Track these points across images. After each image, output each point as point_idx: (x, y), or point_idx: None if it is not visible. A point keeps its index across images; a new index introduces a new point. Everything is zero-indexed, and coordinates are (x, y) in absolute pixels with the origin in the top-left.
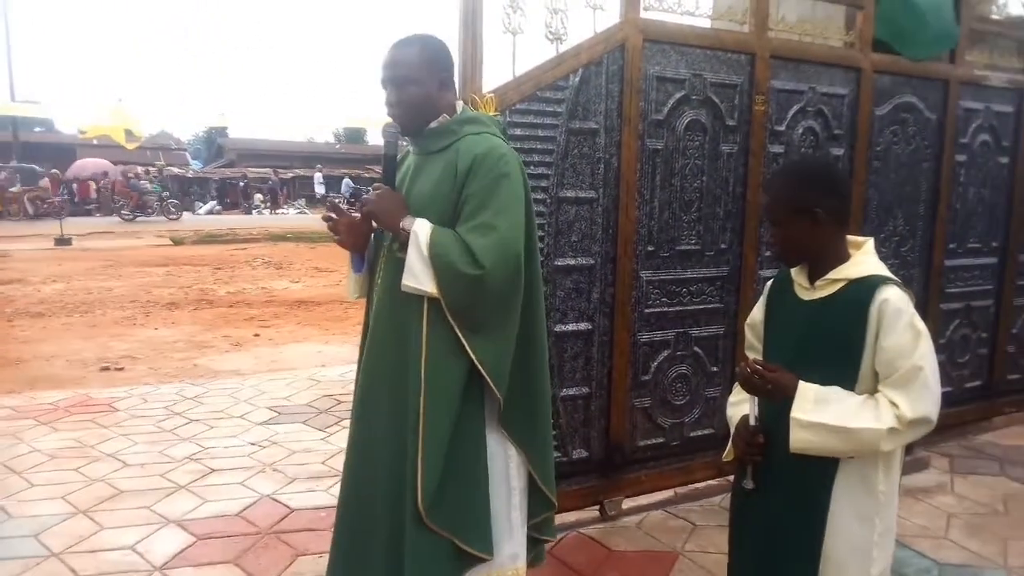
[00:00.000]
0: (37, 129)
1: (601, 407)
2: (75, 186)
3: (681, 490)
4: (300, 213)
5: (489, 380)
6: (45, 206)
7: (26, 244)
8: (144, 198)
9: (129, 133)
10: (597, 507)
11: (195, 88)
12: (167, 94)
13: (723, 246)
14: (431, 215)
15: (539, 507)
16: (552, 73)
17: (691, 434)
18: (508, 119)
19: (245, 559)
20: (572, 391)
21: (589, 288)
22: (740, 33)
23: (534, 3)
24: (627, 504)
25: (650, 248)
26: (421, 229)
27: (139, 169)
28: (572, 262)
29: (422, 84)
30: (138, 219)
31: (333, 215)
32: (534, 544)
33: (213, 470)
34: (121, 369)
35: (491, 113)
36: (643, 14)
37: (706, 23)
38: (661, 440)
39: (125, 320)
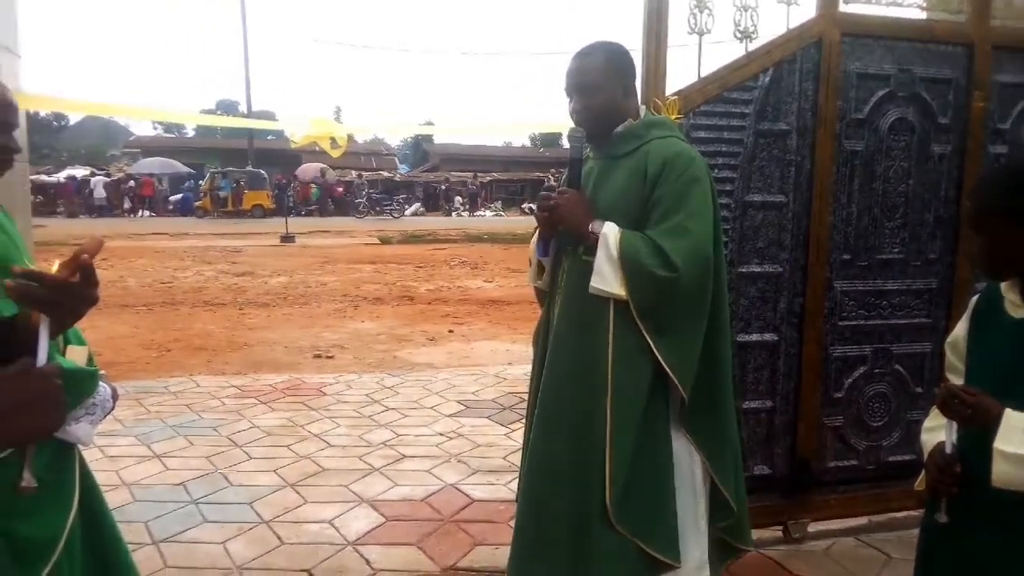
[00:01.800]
0: (269, 137)
1: (786, 423)
2: (298, 188)
3: (876, 518)
4: (496, 215)
5: (676, 381)
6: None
7: (257, 241)
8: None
9: (333, 141)
10: (780, 528)
11: (405, 96)
12: (381, 102)
13: (932, 256)
14: (618, 218)
15: (721, 513)
16: (740, 73)
17: (889, 459)
18: (692, 121)
19: (427, 543)
20: (755, 404)
21: (776, 297)
22: (955, 23)
23: (722, 2)
24: (813, 528)
25: (846, 256)
26: (610, 232)
27: (353, 173)
28: (758, 269)
29: (607, 90)
30: (366, 217)
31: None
32: (725, 552)
33: (404, 456)
34: (331, 357)
35: (674, 116)
36: (843, 8)
37: (913, 13)
38: (854, 463)
39: (336, 312)
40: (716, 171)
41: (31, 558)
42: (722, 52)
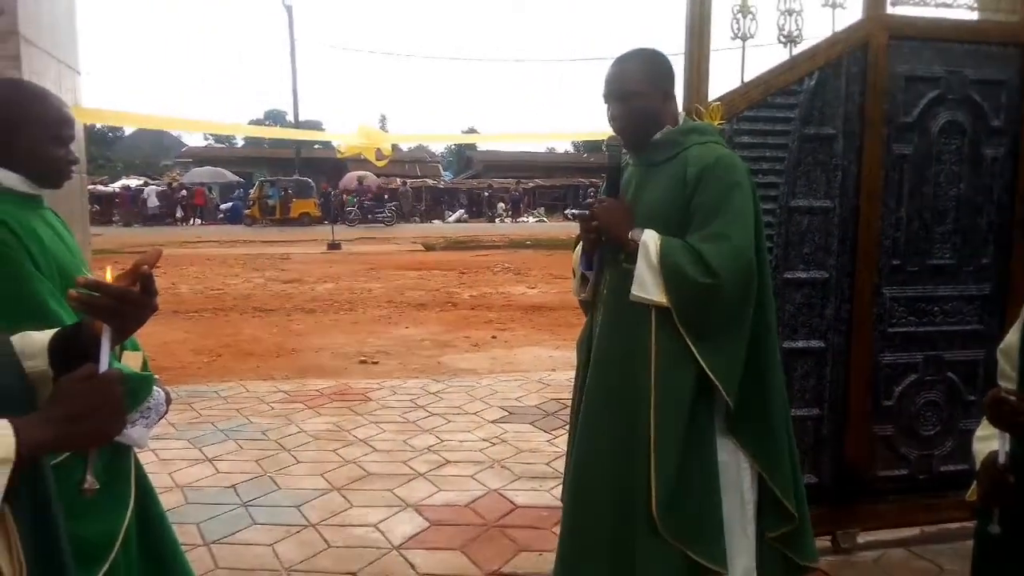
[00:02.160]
0: (316, 146)
1: (834, 431)
2: (343, 197)
3: (929, 529)
4: (539, 221)
5: (720, 388)
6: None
7: (304, 248)
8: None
9: (378, 152)
10: (828, 538)
11: (449, 103)
12: (426, 110)
13: (985, 261)
14: (658, 226)
15: (778, 520)
16: (784, 77)
17: (942, 468)
18: (735, 127)
19: (471, 548)
20: (801, 411)
21: (822, 303)
22: (1008, 23)
23: (766, 6)
24: (863, 538)
25: (895, 262)
26: (650, 239)
27: (397, 181)
28: (803, 275)
29: (646, 97)
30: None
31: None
32: (792, 571)
33: (448, 461)
34: (376, 363)
35: (717, 122)
36: (890, 9)
37: (964, 15)
38: (905, 472)
39: (381, 319)
40: (760, 176)
41: (90, 557)
42: (765, 56)
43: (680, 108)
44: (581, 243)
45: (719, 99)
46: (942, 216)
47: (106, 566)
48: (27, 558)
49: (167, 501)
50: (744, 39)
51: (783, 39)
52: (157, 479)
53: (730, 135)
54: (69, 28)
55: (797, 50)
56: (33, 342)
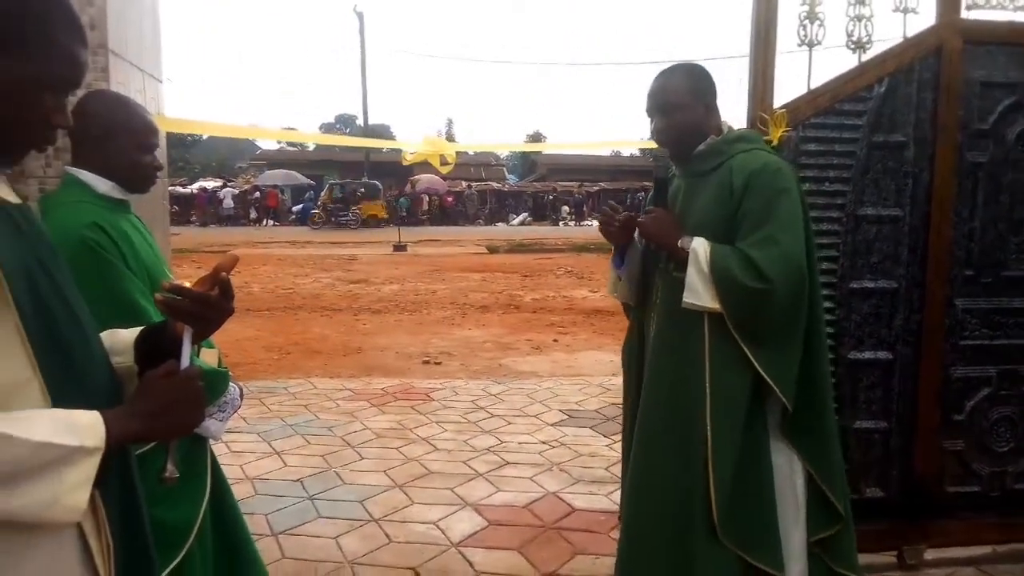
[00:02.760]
0: (384, 150)
1: (901, 445)
2: (411, 199)
3: (1000, 548)
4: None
5: (777, 391)
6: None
7: (371, 249)
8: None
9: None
10: (894, 553)
11: (515, 107)
12: (491, 114)
13: None
14: (707, 234)
15: (827, 520)
16: (852, 84)
17: (1016, 486)
18: (801, 134)
19: (528, 549)
20: (867, 424)
21: (890, 314)
22: None
23: (834, 12)
24: (931, 555)
25: (968, 272)
26: (700, 246)
27: (463, 184)
28: (871, 285)
29: (689, 109)
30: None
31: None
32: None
33: (507, 463)
34: (439, 363)
35: (782, 130)
36: (965, 13)
37: None
38: (976, 489)
39: (445, 320)
40: (827, 184)
41: (168, 543)
42: (832, 62)
43: (744, 115)
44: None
45: (784, 106)
46: (1018, 226)
47: (183, 552)
48: (114, 539)
49: (238, 492)
50: (811, 46)
51: (851, 45)
52: (229, 471)
53: (796, 143)
54: (153, 40)
55: (866, 56)
56: (120, 339)
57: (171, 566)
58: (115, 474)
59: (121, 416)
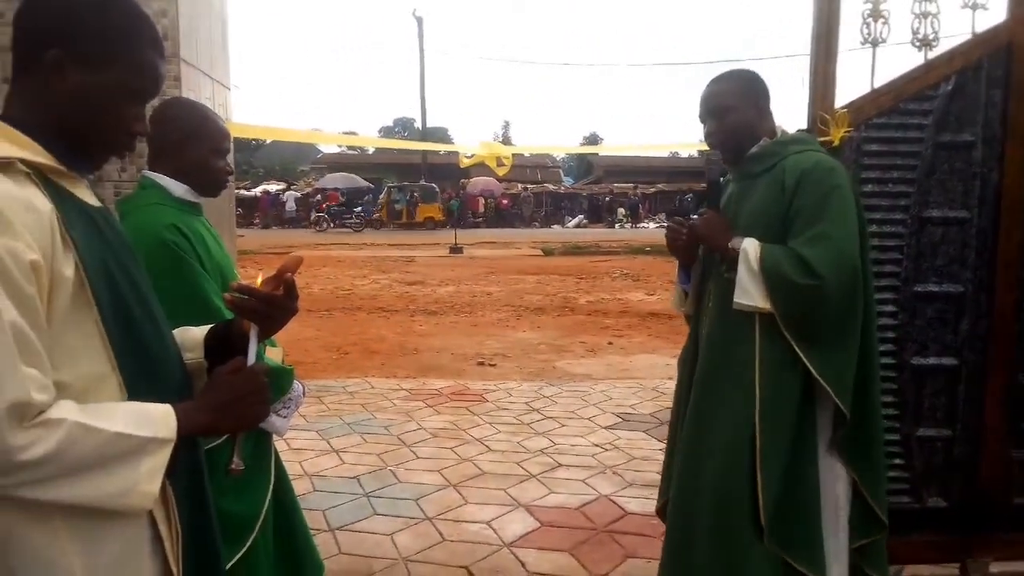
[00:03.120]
0: (441, 152)
1: (966, 454)
2: (465, 201)
3: None
4: (660, 227)
5: (832, 393)
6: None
7: (428, 252)
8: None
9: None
10: (956, 565)
11: (572, 108)
12: (548, 116)
13: None
14: (759, 234)
15: (868, 527)
16: (917, 83)
17: None
18: (863, 134)
19: (580, 551)
20: (930, 431)
21: (956, 319)
22: None
23: (899, 10)
24: (996, 568)
25: None
26: (750, 246)
27: (519, 186)
28: (935, 289)
29: (741, 112)
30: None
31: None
32: None
33: (560, 465)
34: (493, 365)
35: (844, 130)
36: None
37: None
38: None
39: (499, 322)
40: (890, 185)
41: (234, 535)
42: (894, 60)
43: (804, 115)
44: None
45: (846, 106)
46: None
47: (248, 543)
48: (183, 527)
49: (297, 488)
50: (875, 44)
51: (917, 43)
52: (289, 467)
53: (857, 143)
54: (222, 48)
55: (932, 54)
56: (191, 337)
57: (236, 557)
58: (184, 466)
59: (191, 409)
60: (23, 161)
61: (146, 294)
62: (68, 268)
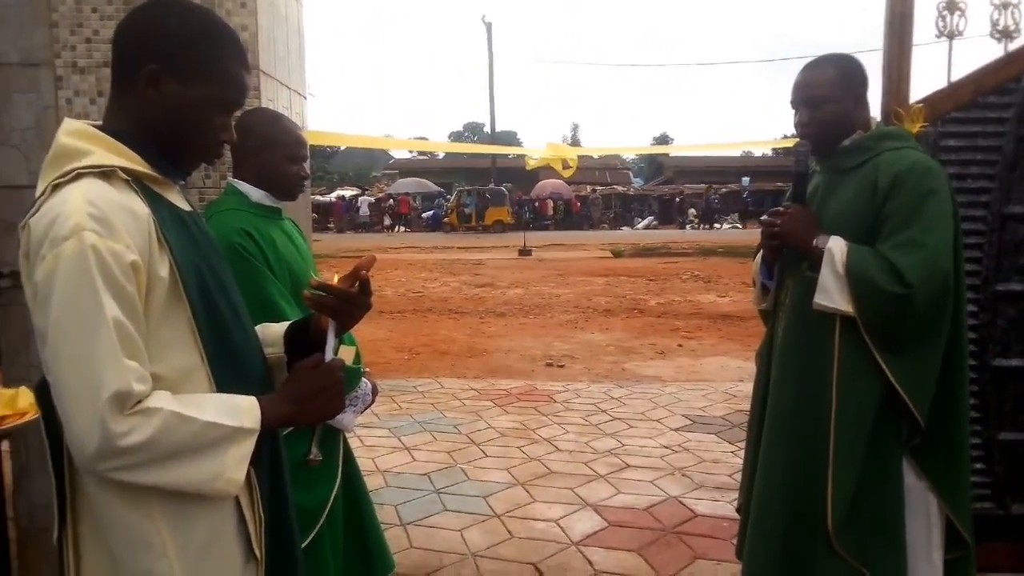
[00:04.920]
0: (510, 156)
1: None
2: (536, 204)
3: None
4: (732, 227)
5: (909, 404)
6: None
7: (497, 254)
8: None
9: (565, 163)
10: None
11: (641, 109)
12: (618, 117)
13: None
14: (846, 233)
15: (951, 545)
16: (997, 75)
17: None
18: (940, 129)
19: (648, 551)
20: (1013, 436)
21: None
22: None
23: (976, 1)
24: None
25: None
26: (836, 246)
27: (588, 188)
28: (1019, 288)
29: (839, 102)
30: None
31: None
32: None
33: (628, 466)
34: (562, 366)
35: (919, 125)
36: None
37: None
38: None
39: (568, 323)
40: (969, 181)
41: (300, 524)
42: (971, 52)
43: (877, 110)
44: (761, 252)
45: (921, 101)
46: None
47: (313, 533)
48: (265, 513)
49: (370, 483)
50: (951, 37)
51: (997, 35)
52: (362, 463)
53: (935, 138)
54: (298, 59)
55: (1012, 45)
56: (272, 333)
57: (302, 546)
58: (267, 455)
59: (274, 401)
60: (123, 169)
61: (231, 293)
62: (163, 268)
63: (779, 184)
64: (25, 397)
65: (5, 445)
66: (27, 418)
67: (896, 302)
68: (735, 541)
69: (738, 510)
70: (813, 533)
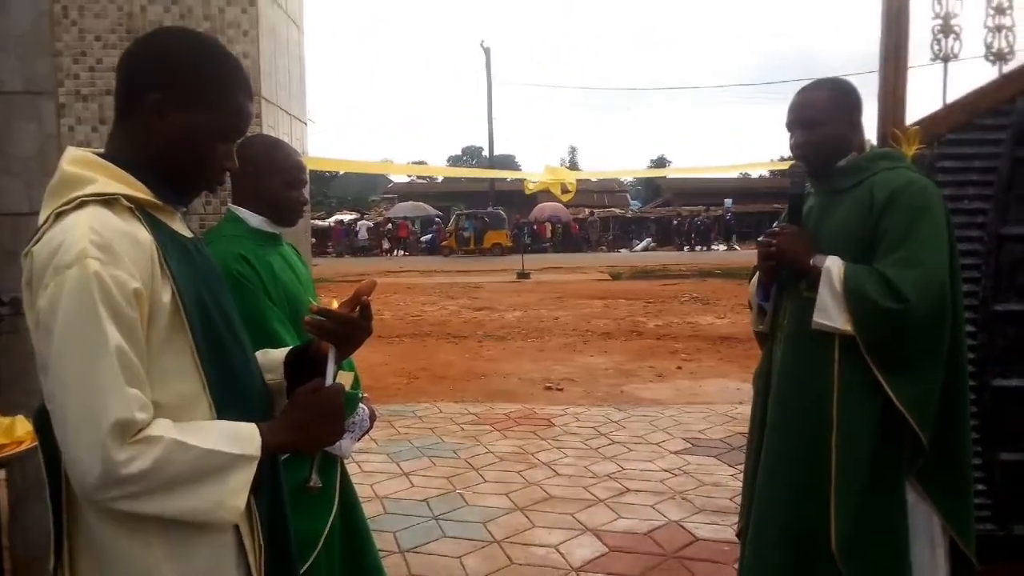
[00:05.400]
0: (509, 180)
1: None
2: (535, 227)
3: None
4: (729, 250)
5: (912, 422)
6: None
7: (495, 277)
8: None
9: (564, 187)
10: None
11: (638, 133)
12: (614, 140)
13: None
14: (842, 252)
15: (956, 565)
16: (992, 97)
17: None
18: (937, 151)
19: None
20: (1014, 456)
21: None
22: None
23: (970, 25)
24: None
25: None
26: (833, 265)
27: (586, 211)
28: (1017, 307)
29: (832, 124)
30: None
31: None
32: None
33: (628, 490)
34: (561, 390)
35: (915, 147)
36: None
37: None
38: None
39: (567, 346)
40: (966, 202)
41: (297, 550)
42: (965, 75)
43: (874, 132)
44: (758, 274)
45: (917, 123)
46: None
47: (309, 561)
48: (264, 541)
49: (368, 510)
50: (946, 60)
51: (991, 57)
52: (360, 489)
53: (931, 160)
54: (299, 85)
55: (1007, 68)
56: (272, 358)
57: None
58: (266, 482)
59: (275, 428)
60: (126, 196)
61: (232, 319)
62: (166, 295)
63: (776, 205)
64: (22, 425)
65: (2, 474)
66: (24, 446)
67: (894, 318)
68: (736, 566)
69: (738, 534)
70: (815, 557)
